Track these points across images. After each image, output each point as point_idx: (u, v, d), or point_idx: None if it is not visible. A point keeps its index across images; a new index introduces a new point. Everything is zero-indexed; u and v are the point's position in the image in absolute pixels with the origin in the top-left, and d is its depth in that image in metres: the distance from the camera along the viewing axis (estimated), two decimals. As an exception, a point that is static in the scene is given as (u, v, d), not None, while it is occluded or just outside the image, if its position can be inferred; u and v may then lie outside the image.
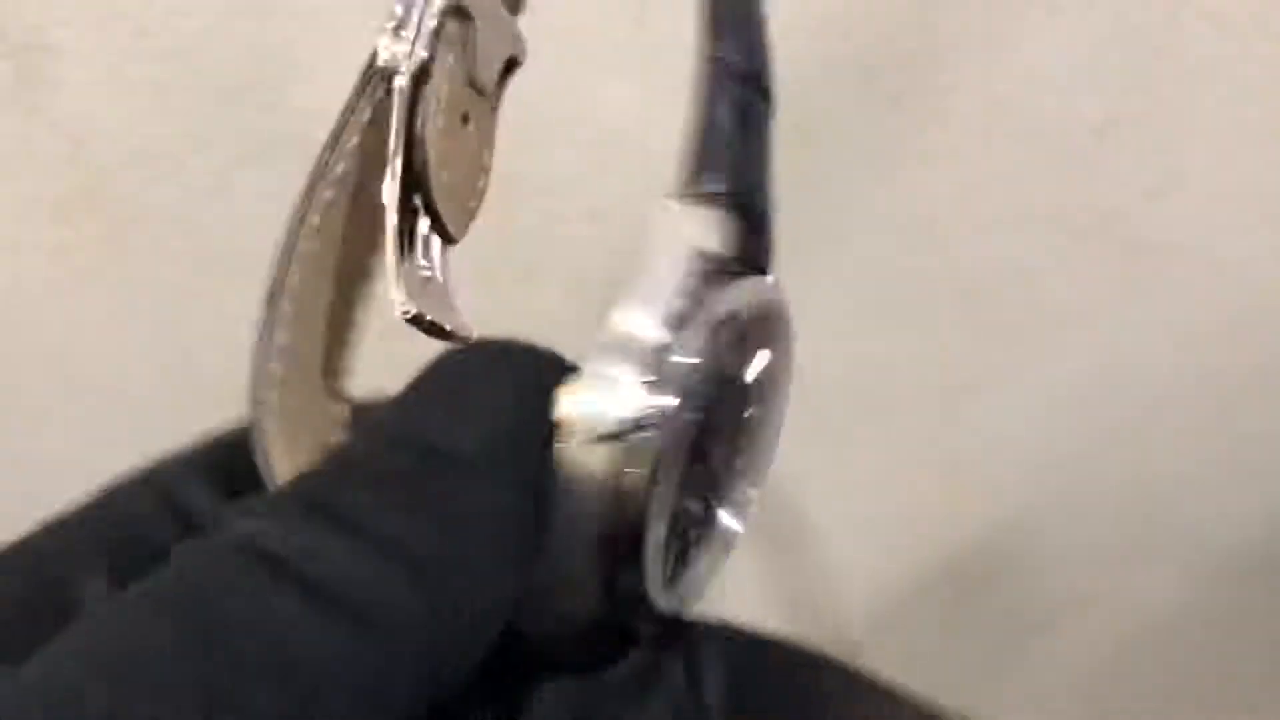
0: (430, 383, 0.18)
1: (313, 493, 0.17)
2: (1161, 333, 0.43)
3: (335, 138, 0.20)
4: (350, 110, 0.20)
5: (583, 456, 0.18)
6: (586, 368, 0.18)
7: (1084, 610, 0.43)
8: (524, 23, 0.21)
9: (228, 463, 0.22)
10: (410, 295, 0.18)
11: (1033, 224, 0.41)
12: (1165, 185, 0.41)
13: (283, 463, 0.20)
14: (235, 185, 0.39)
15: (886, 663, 0.44)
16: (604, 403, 0.18)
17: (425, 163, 0.18)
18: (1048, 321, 0.43)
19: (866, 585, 0.45)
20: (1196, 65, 0.38)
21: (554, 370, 0.18)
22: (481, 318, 0.19)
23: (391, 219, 0.18)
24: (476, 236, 0.20)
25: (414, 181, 0.18)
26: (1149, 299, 0.43)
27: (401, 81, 0.18)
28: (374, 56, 0.19)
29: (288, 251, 0.20)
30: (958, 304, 0.42)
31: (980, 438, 0.44)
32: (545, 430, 0.18)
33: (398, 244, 0.18)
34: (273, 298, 0.20)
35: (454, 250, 0.19)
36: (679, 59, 0.20)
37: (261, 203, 0.38)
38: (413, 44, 0.19)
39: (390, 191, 0.18)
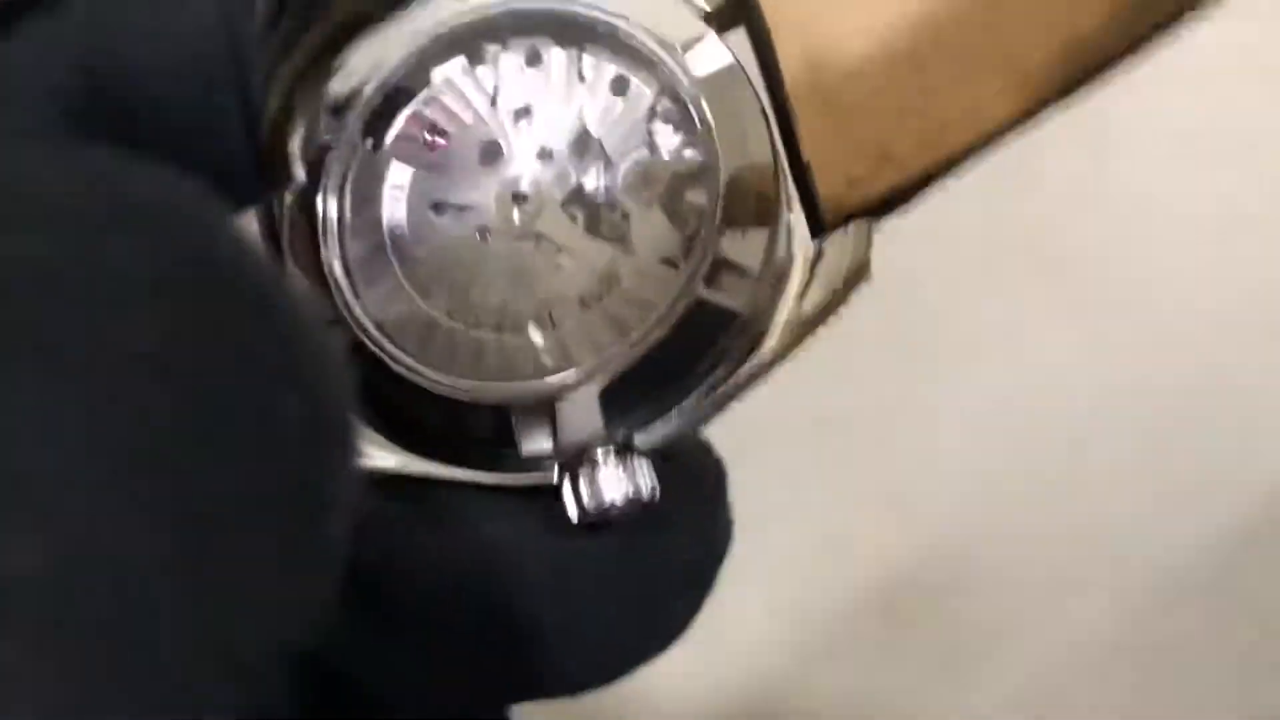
0: None
1: None
2: (1085, 354, 0.43)
3: None
4: None
5: None
6: None
7: (1015, 641, 0.43)
8: None
9: None
10: None
11: (946, 240, 0.41)
12: (1087, 200, 0.41)
13: None
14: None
15: (817, 696, 0.43)
16: None
17: None
18: (966, 342, 0.43)
19: (794, 619, 0.44)
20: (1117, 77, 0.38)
21: None
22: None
23: None
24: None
25: None
26: (1071, 319, 0.42)
27: None
28: None
29: None
30: (870, 327, 0.41)
31: (901, 467, 0.44)
32: None
33: None
34: None
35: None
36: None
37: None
38: None
39: None
